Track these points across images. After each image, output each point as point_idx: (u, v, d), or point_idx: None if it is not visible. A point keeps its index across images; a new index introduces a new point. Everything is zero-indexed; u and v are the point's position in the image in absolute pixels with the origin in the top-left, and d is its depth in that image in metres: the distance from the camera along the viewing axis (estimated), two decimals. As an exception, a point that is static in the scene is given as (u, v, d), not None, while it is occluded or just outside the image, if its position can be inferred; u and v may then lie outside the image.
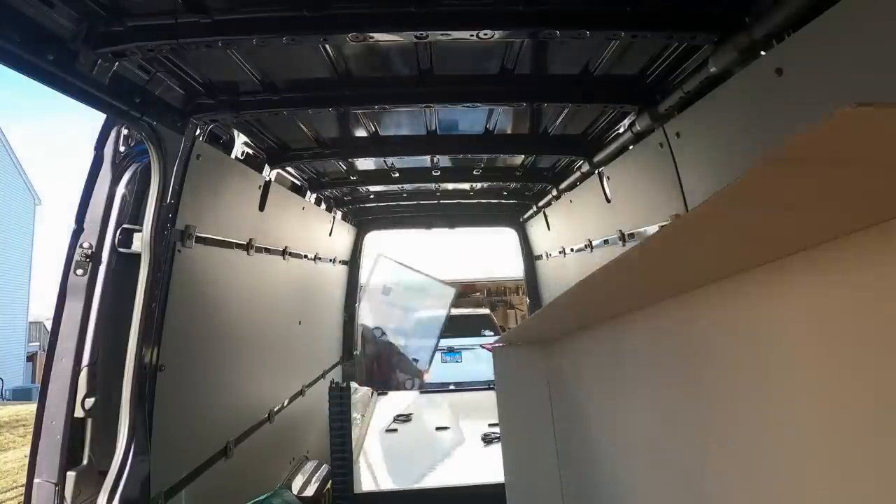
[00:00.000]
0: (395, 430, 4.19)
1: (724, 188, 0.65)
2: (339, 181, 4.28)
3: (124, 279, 2.15)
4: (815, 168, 0.57)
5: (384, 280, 6.87)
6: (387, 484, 3.24)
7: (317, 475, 3.57)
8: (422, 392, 5.75)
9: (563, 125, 3.16)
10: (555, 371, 2.35)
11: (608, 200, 3.36)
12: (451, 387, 5.77)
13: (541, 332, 2.35)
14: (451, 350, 9.78)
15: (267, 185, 3.22)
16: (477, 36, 1.89)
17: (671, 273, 1.18)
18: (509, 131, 3.37)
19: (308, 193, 4.17)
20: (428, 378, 6.67)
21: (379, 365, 6.57)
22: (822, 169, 0.57)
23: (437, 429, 4.19)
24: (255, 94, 2.48)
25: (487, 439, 3.73)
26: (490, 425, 3.88)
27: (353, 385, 4.98)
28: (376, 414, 4.67)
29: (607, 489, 1.89)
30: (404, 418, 4.46)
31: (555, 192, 4.35)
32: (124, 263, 2.17)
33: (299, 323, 4.22)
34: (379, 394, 5.36)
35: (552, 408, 2.37)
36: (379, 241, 6.58)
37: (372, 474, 3.36)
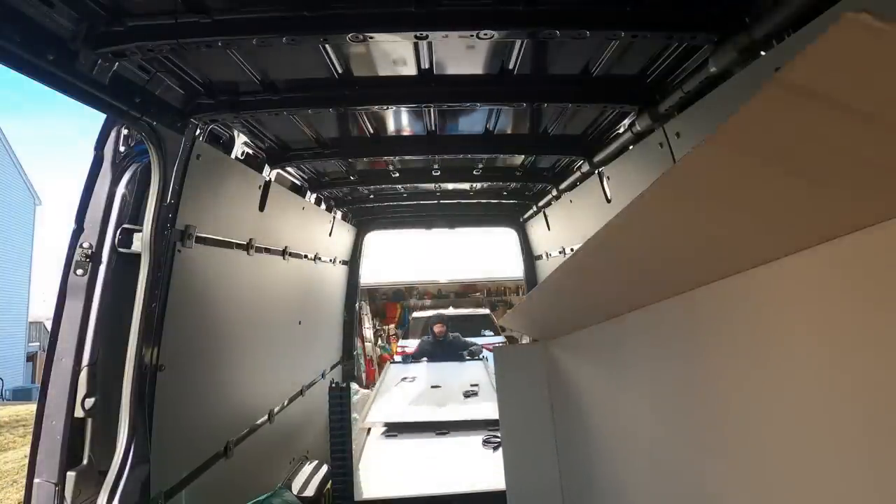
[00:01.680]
0: (394, 435, 4.18)
1: (718, 130, 0.61)
2: (339, 181, 4.28)
3: (124, 279, 2.15)
4: (815, 103, 0.53)
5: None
6: (388, 491, 3.23)
7: (317, 475, 3.57)
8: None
9: (563, 125, 3.16)
10: (555, 371, 2.35)
11: (608, 200, 3.36)
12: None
13: (540, 325, 2.35)
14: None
15: (267, 185, 3.22)
16: (477, 36, 1.89)
17: (669, 272, 1.18)
18: (509, 131, 3.37)
19: (308, 193, 4.17)
20: None
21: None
22: (823, 109, 0.54)
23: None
24: (255, 94, 2.48)
25: (492, 444, 3.72)
26: (489, 429, 3.88)
27: (354, 386, 4.99)
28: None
29: (608, 489, 1.89)
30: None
31: (555, 192, 4.36)
32: (124, 263, 2.17)
33: (299, 323, 4.22)
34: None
35: (553, 407, 2.37)
36: (379, 242, 6.60)
37: (373, 481, 3.35)
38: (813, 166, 0.66)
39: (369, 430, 4.33)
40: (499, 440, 3.69)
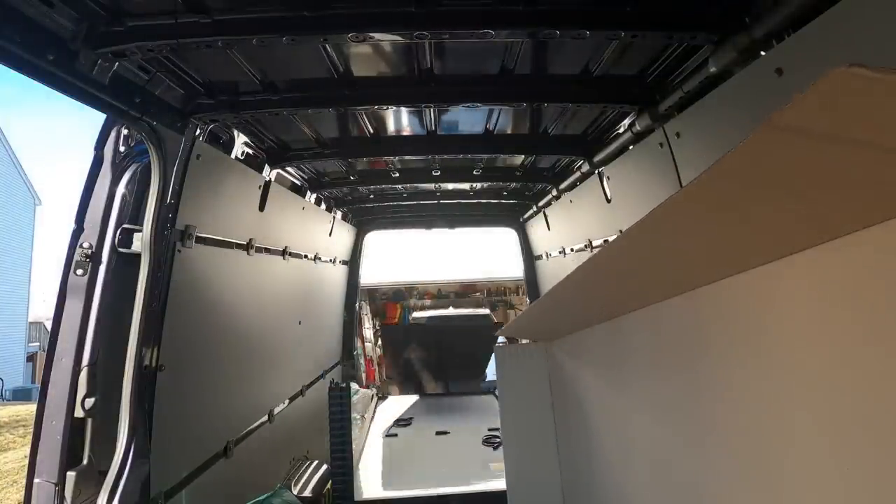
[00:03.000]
0: (395, 435, 4.18)
1: (718, 160, 0.64)
2: (339, 181, 4.28)
3: (124, 279, 2.15)
4: (809, 140, 0.56)
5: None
6: (387, 491, 3.22)
7: (317, 475, 3.57)
8: (422, 396, 5.74)
9: (563, 125, 3.16)
10: (556, 370, 2.35)
11: (608, 200, 3.36)
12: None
13: (542, 329, 2.35)
14: None
15: (267, 185, 3.22)
16: (477, 36, 1.89)
17: (672, 272, 1.18)
18: (509, 131, 3.37)
19: (308, 193, 4.17)
20: None
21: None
22: (817, 142, 0.56)
23: (438, 433, 4.17)
24: (255, 94, 2.48)
25: (493, 444, 3.71)
26: (490, 430, 3.87)
27: (354, 386, 4.97)
28: (376, 419, 4.66)
29: (608, 489, 1.89)
30: (405, 423, 4.44)
31: (555, 192, 4.35)
32: (124, 263, 2.16)
33: (299, 323, 4.21)
34: (379, 398, 5.35)
35: (553, 407, 2.37)
36: (379, 242, 6.57)
37: (372, 480, 3.35)
38: (807, 188, 0.67)
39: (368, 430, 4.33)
40: (499, 440, 3.68)
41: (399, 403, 5.19)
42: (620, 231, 3.20)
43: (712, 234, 0.93)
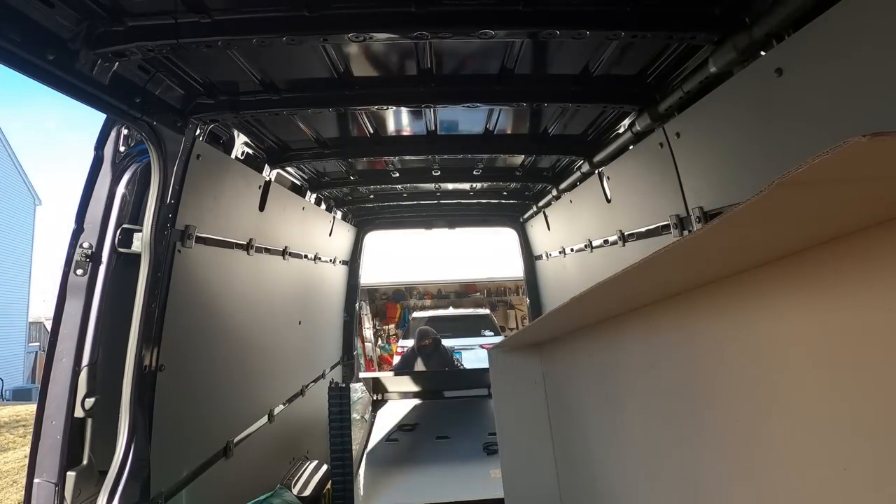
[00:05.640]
0: (395, 440, 4.17)
1: (726, 214, 0.65)
2: (339, 181, 4.28)
3: (124, 279, 2.15)
4: (821, 188, 0.58)
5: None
6: (388, 496, 3.22)
7: (317, 475, 3.57)
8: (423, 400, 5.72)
9: (563, 125, 3.16)
10: (551, 373, 2.34)
11: (608, 200, 3.36)
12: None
13: (537, 337, 2.35)
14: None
15: (267, 185, 3.22)
16: (477, 36, 1.89)
17: (669, 277, 1.18)
18: (509, 131, 3.37)
19: (308, 193, 4.17)
20: None
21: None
22: (828, 188, 0.58)
23: (438, 438, 4.16)
24: (255, 94, 2.48)
25: (490, 450, 3.70)
26: (490, 434, 3.86)
27: (354, 386, 4.96)
28: (376, 423, 4.65)
29: (605, 493, 1.89)
30: (409, 428, 4.43)
31: (555, 192, 4.35)
32: (124, 263, 2.17)
33: (299, 323, 4.21)
34: (379, 400, 5.33)
35: (549, 411, 2.37)
36: (379, 242, 6.58)
37: (373, 486, 3.35)
38: (811, 215, 0.70)
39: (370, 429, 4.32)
40: (495, 447, 3.66)
41: (400, 407, 5.16)
42: (620, 231, 3.20)
43: (713, 252, 0.94)
